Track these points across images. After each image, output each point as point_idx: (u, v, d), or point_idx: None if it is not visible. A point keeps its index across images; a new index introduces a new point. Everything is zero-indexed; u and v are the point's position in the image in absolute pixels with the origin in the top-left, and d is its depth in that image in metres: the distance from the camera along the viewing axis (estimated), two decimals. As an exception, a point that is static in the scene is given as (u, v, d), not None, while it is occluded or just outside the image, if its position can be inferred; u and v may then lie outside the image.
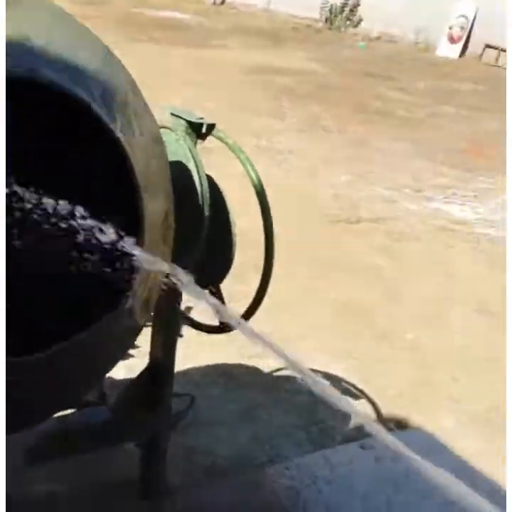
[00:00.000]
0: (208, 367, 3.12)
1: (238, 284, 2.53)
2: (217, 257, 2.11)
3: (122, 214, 1.54)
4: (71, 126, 1.60)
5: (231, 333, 2.85)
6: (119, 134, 1.46)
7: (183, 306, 2.26)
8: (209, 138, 2.05)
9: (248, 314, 2.13)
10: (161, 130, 2.00)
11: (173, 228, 1.77)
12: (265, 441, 2.75)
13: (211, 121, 2.04)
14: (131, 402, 2.22)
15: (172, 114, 2.03)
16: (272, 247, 2.03)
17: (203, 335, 2.80)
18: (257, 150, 6.27)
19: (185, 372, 3.00)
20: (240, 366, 3.18)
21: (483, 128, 8.22)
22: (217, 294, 2.19)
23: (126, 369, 2.44)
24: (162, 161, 1.71)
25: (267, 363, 3.23)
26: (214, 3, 15.15)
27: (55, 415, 2.09)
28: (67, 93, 1.41)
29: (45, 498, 2.27)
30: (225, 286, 2.18)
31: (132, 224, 1.54)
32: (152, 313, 2.18)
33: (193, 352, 3.14)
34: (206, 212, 1.94)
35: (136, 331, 1.81)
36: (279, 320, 3.38)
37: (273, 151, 6.50)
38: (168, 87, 7.56)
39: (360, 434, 2.86)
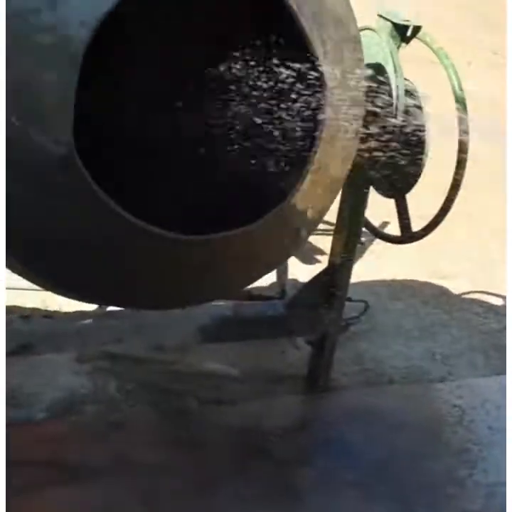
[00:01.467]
0: (393, 281, 3.12)
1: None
2: (406, 166, 2.08)
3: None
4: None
5: (423, 251, 2.86)
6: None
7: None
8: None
9: (431, 226, 2.11)
10: (365, 32, 2.00)
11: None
12: (441, 359, 2.74)
13: (417, 24, 1.98)
14: (305, 300, 2.31)
15: (379, 16, 2.00)
16: (465, 159, 1.97)
17: (395, 249, 2.81)
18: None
19: (369, 284, 3.03)
20: (427, 284, 3.15)
21: None
22: (402, 205, 2.18)
23: (312, 273, 2.51)
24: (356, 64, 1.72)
25: (458, 285, 3.18)
26: None
27: (232, 303, 2.25)
28: None
29: (214, 375, 2.44)
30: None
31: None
32: (335, 218, 2.24)
33: (380, 264, 3.16)
34: (399, 117, 1.91)
35: (307, 228, 1.87)
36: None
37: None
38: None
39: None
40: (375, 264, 3.16)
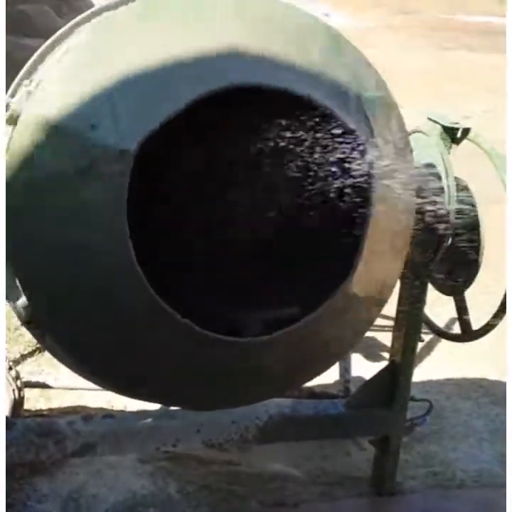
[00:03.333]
0: (463, 379, 3.04)
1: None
2: (462, 264, 2.08)
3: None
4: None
5: (492, 346, 2.78)
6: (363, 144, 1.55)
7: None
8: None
9: (491, 324, 2.07)
10: (417, 134, 2.06)
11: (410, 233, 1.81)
12: (513, 463, 2.61)
13: (466, 126, 2.02)
14: (366, 399, 2.28)
15: (429, 119, 2.06)
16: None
17: (465, 345, 2.75)
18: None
19: (437, 382, 2.97)
20: (498, 383, 3.05)
21: None
22: (461, 302, 2.16)
23: (376, 371, 2.48)
24: (406, 166, 1.76)
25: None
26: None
27: (292, 401, 2.24)
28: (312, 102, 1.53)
29: (277, 477, 2.41)
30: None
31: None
32: (394, 315, 2.23)
33: (449, 361, 3.10)
34: (451, 220, 1.93)
35: (367, 320, 1.86)
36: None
37: None
38: (471, 93, 7.39)
39: None
40: (444, 361, 3.10)
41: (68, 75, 1.58)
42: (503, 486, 2.48)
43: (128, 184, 1.46)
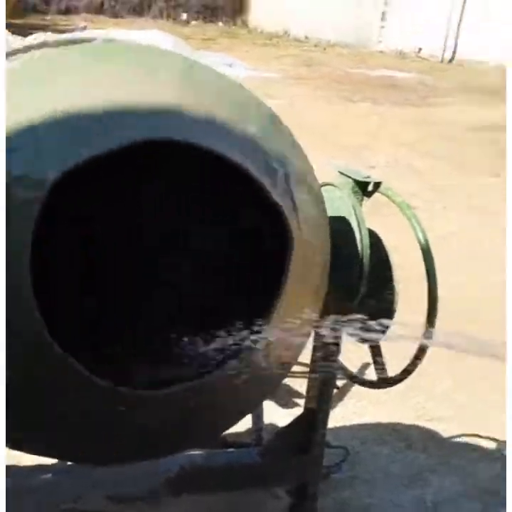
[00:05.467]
0: (378, 424, 3.00)
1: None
2: (377, 315, 2.05)
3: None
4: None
5: (403, 391, 2.76)
6: (277, 199, 1.53)
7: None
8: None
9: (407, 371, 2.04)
10: (327, 187, 2.04)
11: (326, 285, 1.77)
12: (431, 507, 2.58)
13: (377, 180, 2.03)
14: (281, 446, 2.20)
15: (340, 173, 2.06)
16: (435, 310, 1.94)
17: (378, 391, 2.71)
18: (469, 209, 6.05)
19: (352, 427, 2.92)
20: (414, 427, 3.02)
21: None
22: (376, 349, 2.12)
23: (290, 418, 2.41)
24: (321, 219, 1.76)
25: (446, 428, 3.05)
26: (441, 61, 15.03)
27: (204, 451, 2.14)
28: (228, 161, 1.48)
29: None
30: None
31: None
32: (308, 362, 2.18)
33: (363, 407, 3.06)
34: (366, 269, 1.92)
35: (280, 371, 1.80)
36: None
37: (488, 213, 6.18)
38: (377, 147, 7.57)
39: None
40: (358, 407, 3.06)
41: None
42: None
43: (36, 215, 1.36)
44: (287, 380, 2.84)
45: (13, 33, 8.66)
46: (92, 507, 2.14)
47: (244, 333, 1.60)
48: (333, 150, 6.86)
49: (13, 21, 9.71)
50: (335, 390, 2.32)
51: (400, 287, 1.98)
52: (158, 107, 1.51)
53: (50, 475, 1.95)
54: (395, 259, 2.00)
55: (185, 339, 1.84)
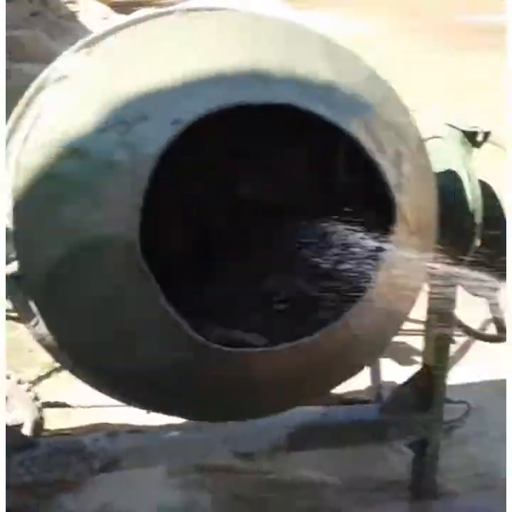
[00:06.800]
0: (502, 380, 2.92)
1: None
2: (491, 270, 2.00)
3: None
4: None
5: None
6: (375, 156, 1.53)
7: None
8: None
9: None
10: (436, 140, 2.01)
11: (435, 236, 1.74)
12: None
13: (486, 129, 1.97)
14: (400, 403, 2.21)
15: (447, 124, 2.02)
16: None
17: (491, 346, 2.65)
18: None
19: (475, 383, 2.87)
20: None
21: None
22: (494, 301, 2.07)
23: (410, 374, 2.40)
24: (425, 172, 1.74)
25: None
26: None
27: (322, 408, 2.19)
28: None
29: (311, 485, 2.35)
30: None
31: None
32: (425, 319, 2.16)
33: (485, 362, 3.00)
34: (477, 221, 1.89)
35: (392, 327, 1.79)
36: None
37: None
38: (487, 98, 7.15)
39: None
40: (481, 362, 3.00)
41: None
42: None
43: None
44: (405, 338, 2.83)
45: (116, 11, 8.77)
46: (219, 461, 2.25)
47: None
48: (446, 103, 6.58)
49: (114, 0, 9.85)
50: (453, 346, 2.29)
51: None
52: (261, 72, 1.55)
53: (177, 433, 2.05)
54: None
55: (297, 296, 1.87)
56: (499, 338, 2.06)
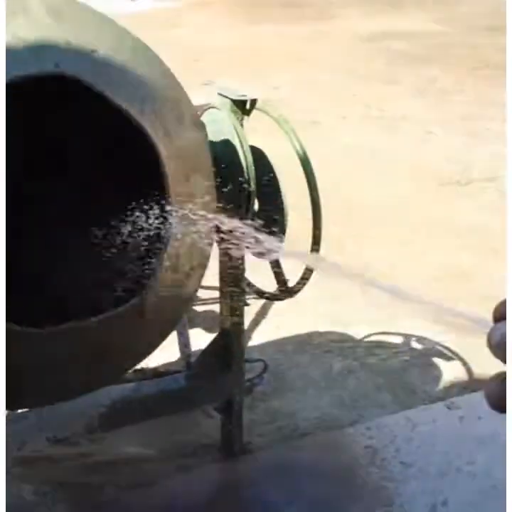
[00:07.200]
0: (297, 335, 3.21)
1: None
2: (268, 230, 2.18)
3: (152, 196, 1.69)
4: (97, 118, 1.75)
5: (310, 301, 2.95)
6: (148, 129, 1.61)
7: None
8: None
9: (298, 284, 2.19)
10: (211, 110, 2.14)
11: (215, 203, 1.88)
12: (350, 404, 2.82)
13: (253, 97, 2.12)
14: (204, 368, 2.37)
15: (218, 94, 2.15)
16: (319, 216, 2.09)
17: (294, 304, 2.90)
18: (367, 119, 6.26)
19: (275, 342, 3.12)
20: (327, 333, 3.24)
21: None
22: (276, 264, 2.27)
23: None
24: (200, 144, 1.85)
25: (358, 330, 3.28)
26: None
27: (134, 384, 2.29)
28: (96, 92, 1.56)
29: (132, 460, 2.46)
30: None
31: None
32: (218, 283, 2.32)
33: (281, 321, 3.26)
34: (252, 187, 2.03)
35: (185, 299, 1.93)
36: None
37: (385, 119, 6.42)
38: (279, 64, 7.68)
39: (448, 394, 2.87)
40: (276, 322, 3.26)
41: None
42: (342, 427, 2.69)
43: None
44: (212, 306, 3.01)
45: None
46: (38, 451, 2.29)
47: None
48: (237, 73, 6.93)
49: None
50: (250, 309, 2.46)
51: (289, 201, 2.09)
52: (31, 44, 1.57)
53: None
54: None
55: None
56: (282, 295, 2.26)
